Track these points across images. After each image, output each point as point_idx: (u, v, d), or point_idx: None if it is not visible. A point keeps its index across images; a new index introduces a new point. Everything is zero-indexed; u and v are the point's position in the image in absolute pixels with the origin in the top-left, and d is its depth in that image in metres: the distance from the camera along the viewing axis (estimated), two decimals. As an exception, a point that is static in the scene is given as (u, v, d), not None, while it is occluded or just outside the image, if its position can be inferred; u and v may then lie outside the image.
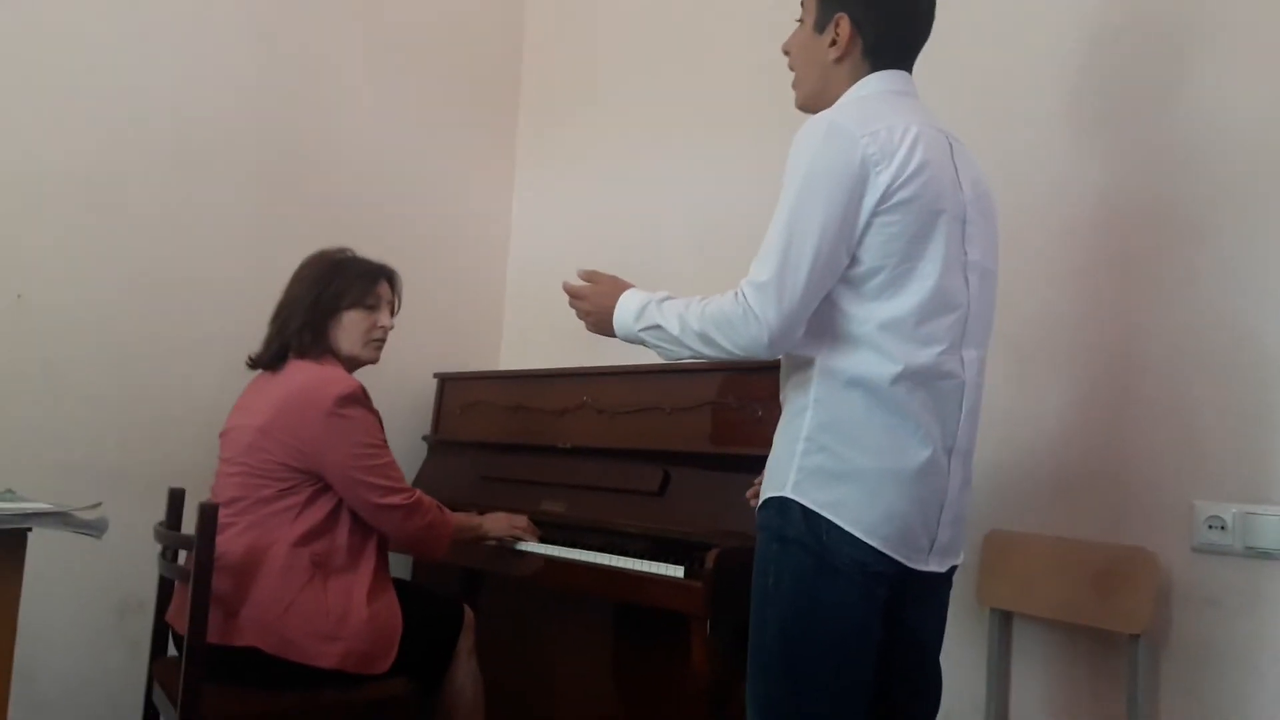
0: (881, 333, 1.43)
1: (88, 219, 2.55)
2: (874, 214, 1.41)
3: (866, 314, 1.44)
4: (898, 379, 1.41)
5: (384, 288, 2.23)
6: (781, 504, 1.46)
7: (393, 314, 2.26)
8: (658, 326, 1.52)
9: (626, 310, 1.56)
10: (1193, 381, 1.92)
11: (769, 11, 2.72)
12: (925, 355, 1.43)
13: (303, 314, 2.13)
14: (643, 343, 1.56)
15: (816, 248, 1.40)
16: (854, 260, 1.44)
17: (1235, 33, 1.93)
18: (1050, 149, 2.16)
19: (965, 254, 1.50)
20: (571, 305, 1.67)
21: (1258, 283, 1.86)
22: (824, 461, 1.44)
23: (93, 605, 2.52)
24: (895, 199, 1.41)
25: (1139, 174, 2.04)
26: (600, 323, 1.61)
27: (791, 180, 1.44)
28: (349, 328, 2.17)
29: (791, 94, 1.68)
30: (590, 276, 1.66)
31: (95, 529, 1.63)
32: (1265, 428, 1.82)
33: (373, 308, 2.20)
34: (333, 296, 2.16)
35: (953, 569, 1.57)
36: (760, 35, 2.74)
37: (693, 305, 1.49)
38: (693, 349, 1.49)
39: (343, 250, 2.25)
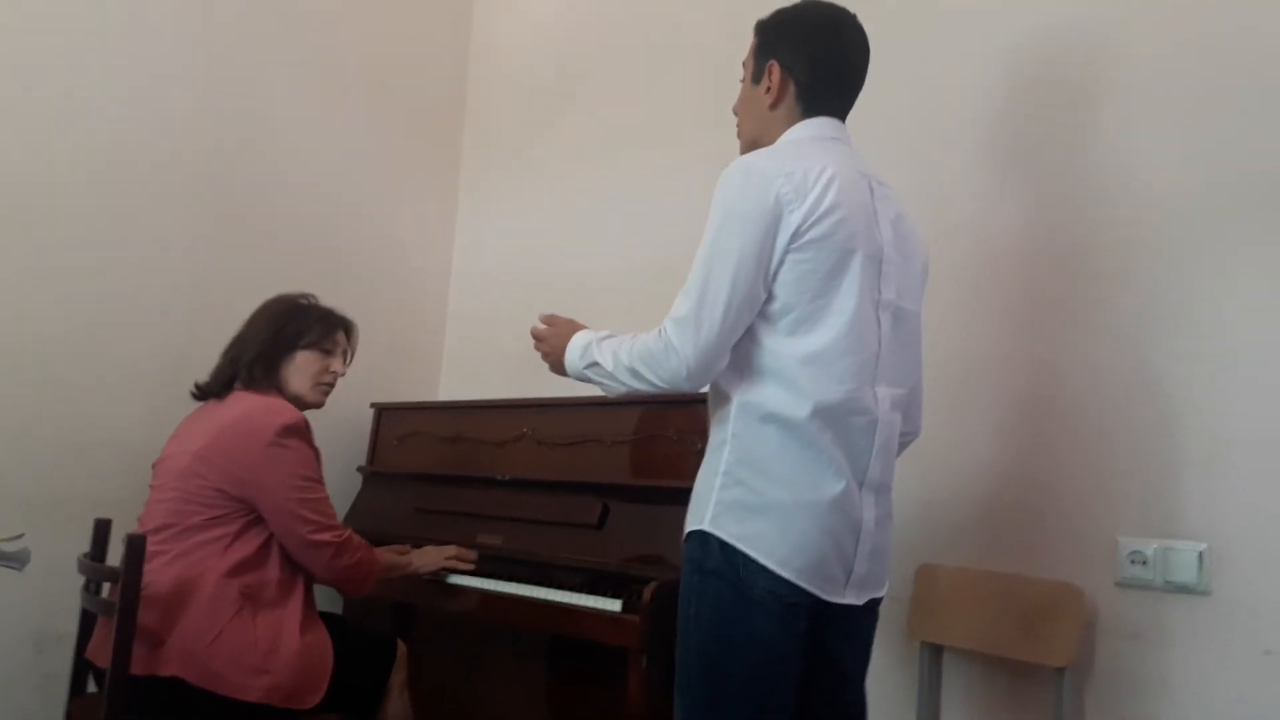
0: (796, 368, 1.47)
1: (18, 244, 2.49)
2: (787, 251, 1.47)
3: (782, 349, 1.49)
4: (811, 414, 1.46)
5: (341, 336, 2.26)
6: (701, 537, 1.51)
7: (345, 364, 2.27)
8: (596, 364, 1.59)
9: (573, 350, 1.63)
10: (1108, 418, 1.99)
11: (712, 46, 2.80)
12: (837, 391, 1.48)
13: (257, 347, 2.14)
14: (588, 380, 1.62)
15: (732, 284, 1.46)
16: (770, 296, 1.49)
17: (1142, 86, 2.03)
18: (968, 190, 2.24)
19: (879, 293, 1.55)
20: (535, 348, 1.74)
21: (1161, 322, 1.94)
22: (740, 495, 1.48)
23: (9, 639, 2.43)
24: (807, 237, 1.47)
25: (1052, 215, 2.12)
26: (556, 363, 1.69)
27: (711, 220, 1.51)
28: (302, 367, 2.17)
29: (731, 130, 1.75)
30: (549, 320, 1.74)
31: (17, 560, 1.59)
32: (1175, 464, 1.89)
33: (329, 352, 2.21)
34: (292, 335, 2.17)
35: (874, 602, 1.60)
36: (703, 71, 2.81)
37: (624, 341, 1.56)
38: (625, 383, 1.56)
39: (307, 296, 2.27)
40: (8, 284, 2.47)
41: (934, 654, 2.14)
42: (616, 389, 1.58)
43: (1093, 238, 2.05)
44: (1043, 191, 2.14)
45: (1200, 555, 1.83)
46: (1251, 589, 1.79)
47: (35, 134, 2.53)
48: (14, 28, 2.51)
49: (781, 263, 1.48)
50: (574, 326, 1.68)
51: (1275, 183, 1.85)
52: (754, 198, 1.47)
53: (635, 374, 1.53)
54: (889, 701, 1.75)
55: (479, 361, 3.40)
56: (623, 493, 2.34)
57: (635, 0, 3.14)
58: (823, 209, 1.47)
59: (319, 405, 2.22)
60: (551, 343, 1.69)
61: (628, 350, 1.54)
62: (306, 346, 2.18)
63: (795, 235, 1.47)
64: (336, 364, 2.23)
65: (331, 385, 2.24)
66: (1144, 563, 1.89)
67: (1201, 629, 1.83)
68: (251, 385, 2.11)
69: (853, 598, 1.53)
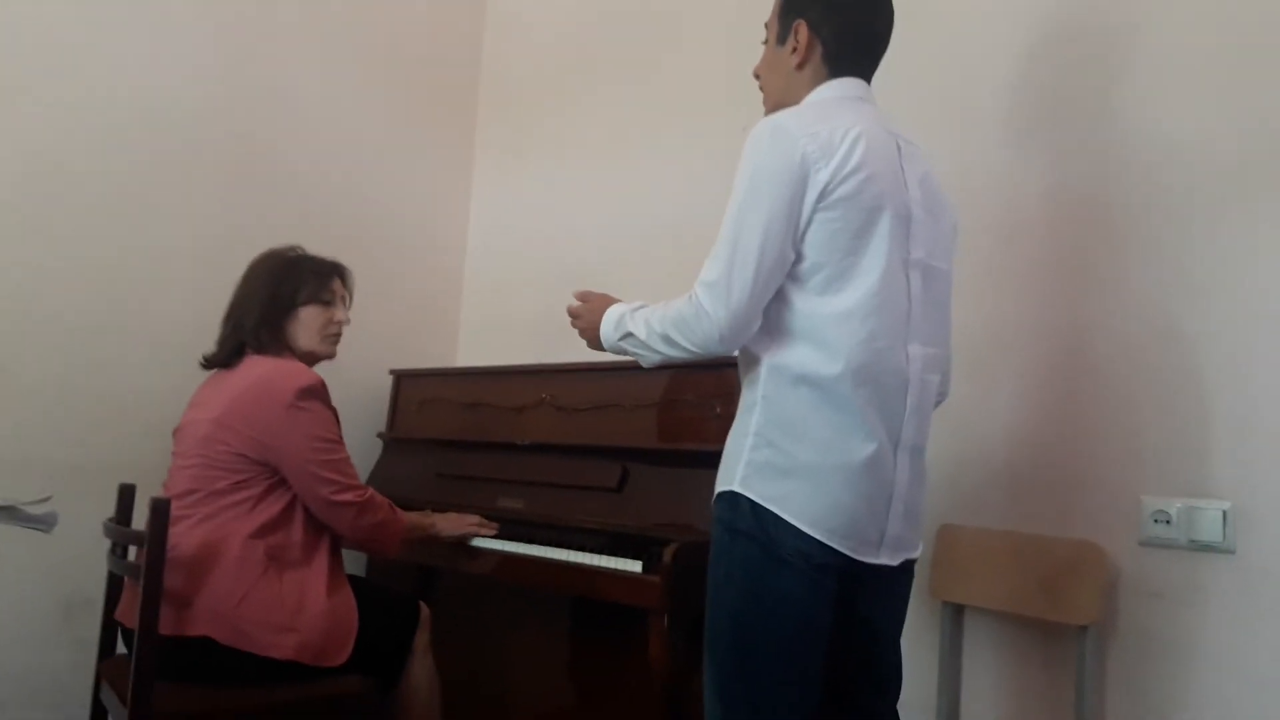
0: (827, 327, 1.47)
1: (41, 212, 2.51)
2: (815, 210, 1.46)
3: (812, 309, 1.48)
4: (842, 375, 1.45)
5: (337, 284, 2.25)
6: (732, 498, 1.50)
7: (347, 309, 2.27)
8: (630, 334, 1.59)
9: (608, 323, 1.63)
10: (1133, 379, 1.97)
11: (728, 17, 2.76)
12: (868, 351, 1.47)
13: (259, 311, 2.13)
14: (624, 352, 1.63)
15: (762, 244, 1.45)
16: (799, 256, 1.48)
17: (1167, 43, 1.99)
18: (994, 154, 2.22)
19: (909, 251, 1.54)
20: (572, 325, 1.75)
21: (1188, 284, 1.92)
22: (771, 456, 1.48)
23: (38, 602, 2.47)
24: (835, 195, 1.46)
25: (1078, 177, 2.09)
26: (593, 339, 1.69)
27: (739, 182, 1.50)
28: (306, 323, 2.18)
29: (751, 95, 1.74)
30: (583, 296, 1.74)
31: (45, 523, 1.61)
32: (1201, 424, 1.87)
33: (328, 303, 2.21)
34: (289, 293, 2.17)
35: (908, 563, 1.60)
36: (720, 40, 2.78)
37: (657, 310, 1.56)
38: (660, 351, 1.55)
39: (293, 248, 2.26)
40: (37, 260, 2.50)
41: (956, 614, 2.14)
42: (652, 358, 1.58)
43: (1119, 199, 2.02)
44: (1068, 152, 2.11)
45: (1224, 514, 1.82)
46: (1277, 548, 1.77)
47: (60, 113, 2.55)
48: (38, 14, 2.50)
49: (810, 221, 1.46)
50: (607, 301, 1.68)
51: (1305, 137, 1.82)
52: (781, 157, 1.46)
53: (669, 341, 1.52)
54: (911, 661, 1.75)
55: (497, 328, 3.40)
56: (642, 456, 2.35)
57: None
58: (850, 167, 1.46)
59: (331, 356, 2.23)
60: (587, 318, 1.70)
61: (660, 318, 1.53)
62: (306, 302, 2.17)
63: (823, 194, 1.45)
64: (339, 312, 2.24)
65: (339, 335, 2.24)
66: (1168, 522, 1.88)
67: (1226, 588, 1.82)
68: (261, 349, 2.11)
69: (887, 558, 1.53)
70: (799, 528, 1.45)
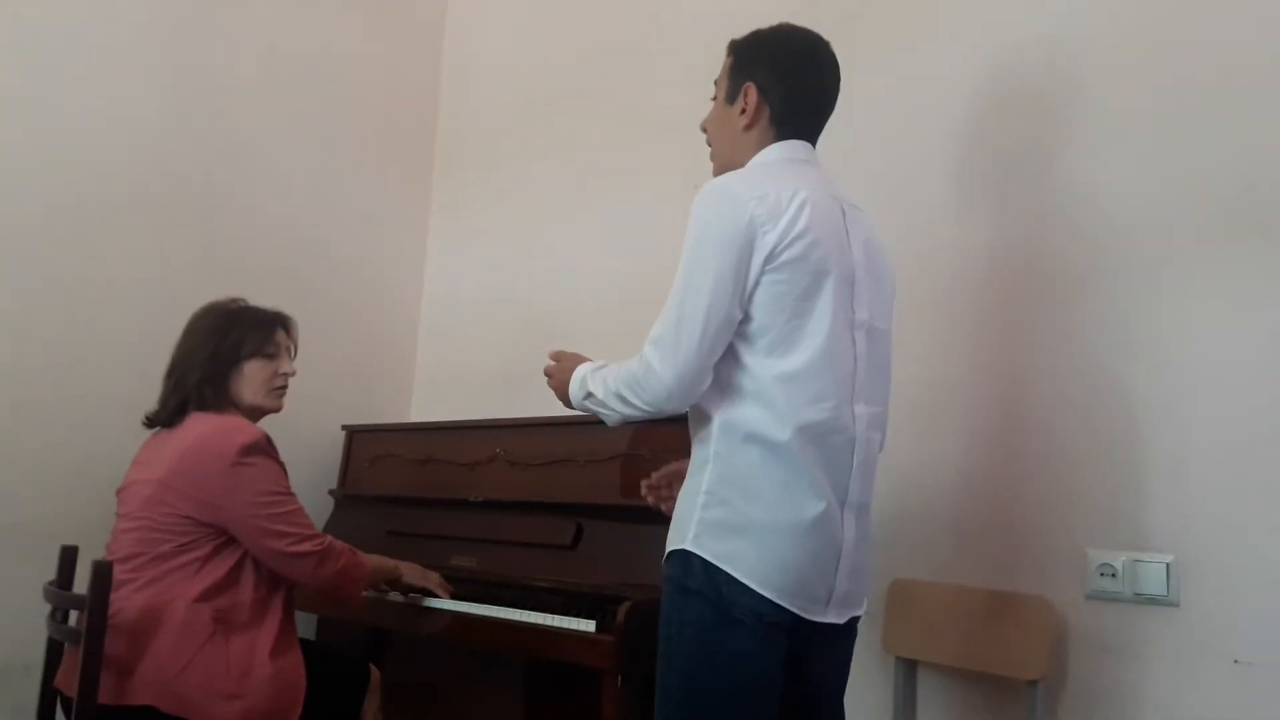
0: (775, 387, 1.49)
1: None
2: (763, 272, 1.49)
3: (760, 369, 1.50)
4: (791, 434, 1.47)
5: (281, 335, 2.20)
6: (684, 556, 1.51)
7: (292, 361, 2.23)
8: (590, 394, 1.62)
9: (574, 382, 1.66)
10: (1075, 434, 2.01)
11: (682, 71, 2.81)
12: (816, 411, 1.49)
13: (201, 367, 2.09)
14: (589, 410, 1.65)
15: (709, 305, 1.48)
16: (746, 317, 1.51)
17: (1106, 108, 2.07)
18: (938, 213, 2.27)
19: (853, 313, 1.57)
20: (548, 385, 1.76)
21: (1126, 339, 1.97)
22: (723, 515, 1.49)
23: (-28, 670, 2.40)
24: (782, 258, 1.49)
25: (1020, 236, 2.16)
26: (563, 398, 1.71)
27: (687, 242, 1.53)
28: (250, 377, 2.13)
29: (704, 152, 1.77)
30: (557, 356, 1.76)
31: (-19, 588, 1.57)
32: (1141, 477, 1.92)
33: (272, 355, 2.17)
34: (231, 347, 2.12)
35: (853, 620, 1.61)
36: (673, 94, 2.83)
37: (612, 369, 1.59)
38: (617, 410, 1.59)
39: (234, 300, 2.22)
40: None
41: (909, 669, 2.15)
42: (613, 417, 1.61)
43: (1058, 256, 2.08)
44: (1009, 211, 2.18)
45: (1168, 567, 1.86)
46: (1220, 600, 1.81)
47: (5, 162, 2.51)
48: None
49: (757, 283, 1.49)
50: (578, 360, 1.70)
51: (1233, 202, 1.88)
52: (728, 219, 1.49)
53: (623, 399, 1.55)
54: (865, 717, 1.76)
55: (451, 382, 3.39)
56: (596, 512, 2.34)
57: (605, 26, 3.16)
58: (797, 230, 1.49)
59: (277, 409, 2.18)
60: (559, 378, 1.72)
61: (615, 377, 1.57)
62: (250, 356, 2.13)
63: (770, 257, 1.48)
64: (284, 364, 2.19)
65: (284, 387, 2.19)
66: (1113, 575, 1.91)
67: (1172, 640, 1.85)
68: (204, 406, 2.07)
69: (834, 616, 1.54)
70: (750, 586, 1.45)
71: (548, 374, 1.76)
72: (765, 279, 1.49)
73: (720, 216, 1.50)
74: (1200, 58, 1.96)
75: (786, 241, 1.49)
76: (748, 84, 1.67)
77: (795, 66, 1.67)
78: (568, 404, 1.70)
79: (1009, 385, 2.11)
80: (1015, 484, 2.08)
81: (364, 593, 2.16)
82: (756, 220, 1.49)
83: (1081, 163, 2.09)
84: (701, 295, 1.48)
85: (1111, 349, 1.99)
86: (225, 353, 2.11)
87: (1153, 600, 1.87)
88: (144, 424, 2.13)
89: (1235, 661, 1.78)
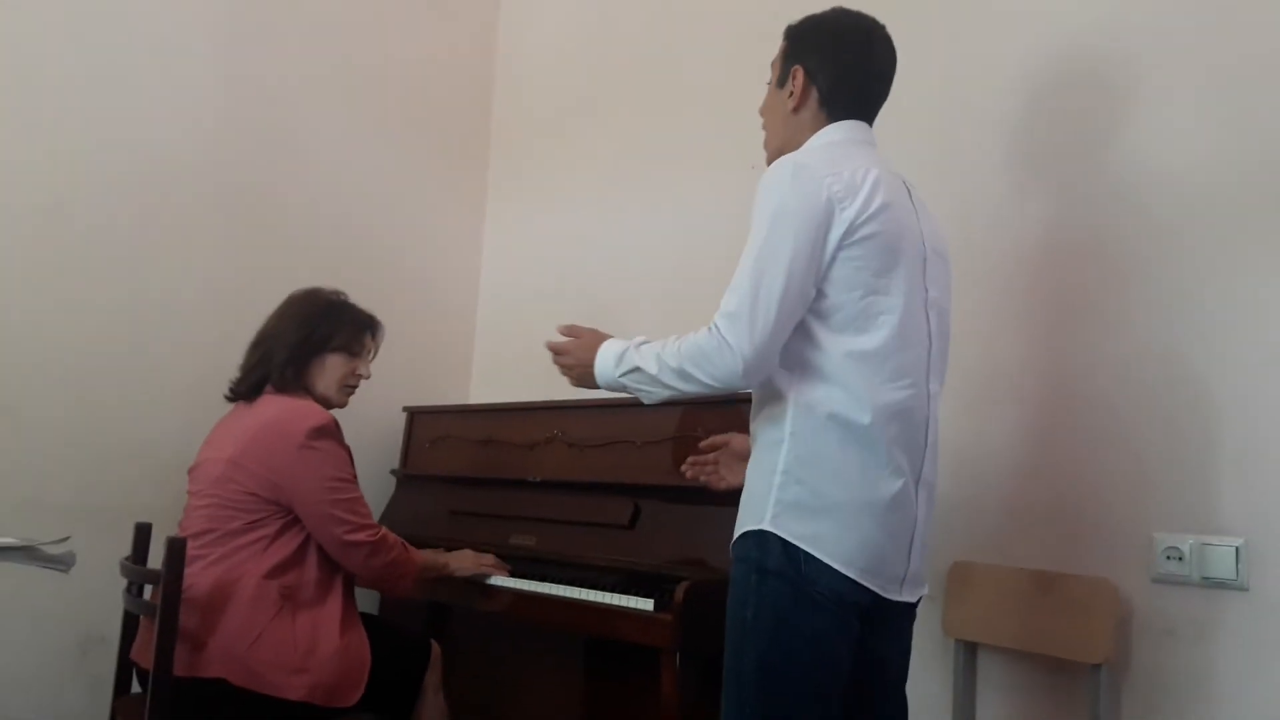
0: (850, 366, 1.47)
1: (51, 255, 2.54)
2: (839, 248, 1.47)
3: (836, 347, 1.49)
4: (873, 416, 1.46)
5: (369, 338, 2.27)
6: (760, 537, 1.49)
7: (369, 363, 2.29)
8: (637, 369, 1.55)
9: (607, 358, 1.60)
10: (1140, 415, 1.97)
11: (738, 56, 2.80)
12: (895, 390, 1.48)
13: (289, 349, 2.15)
14: (624, 389, 1.59)
15: (786, 280, 1.45)
16: (821, 294, 1.49)
17: (1163, 83, 2.02)
18: (996, 193, 2.24)
19: (926, 291, 1.56)
20: (555, 362, 1.70)
21: (1192, 318, 1.93)
22: (801, 495, 1.47)
23: (54, 642, 2.49)
24: (859, 234, 1.47)
25: (1079, 214, 2.11)
26: (583, 376, 1.65)
27: (760, 217, 1.49)
28: (330, 370, 2.19)
29: (758, 136, 1.76)
30: (570, 331, 1.70)
31: (63, 563, 1.62)
32: (1210, 460, 1.88)
33: (356, 354, 2.23)
34: (323, 337, 2.18)
35: (919, 600, 1.61)
36: (728, 79, 2.82)
37: (669, 344, 1.53)
38: (671, 386, 1.52)
39: (338, 293, 2.28)
40: (47, 303, 2.53)
41: (969, 651, 2.13)
42: (657, 394, 1.55)
43: (1119, 237, 2.04)
44: (1067, 190, 2.13)
45: (1237, 550, 1.82)
46: (1290, 584, 1.77)
47: (69, 157, 2.58)
48: (43, 41, 2.56)
49: (833, 260, 1.48)
50: (599, 336, 1.64)
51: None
52: (805, 196, 1.47)
53: (683, 375, 1.50)
54: (925, 700, 1.74)
55: (509, 365, 3.42)
56: (654, 493, 2.35)
57: (657, 12, 3.15)
58: (874, 208, 1.48)
59: (342, 405, 2.24)
60: (578, 355, 1.65)
61: (674, 352, 1.50)
62: (337, 349, 2.19)
63: (848, 233, 1.47)
64: (363, 367, 2.25)
65: (356, 387, 2.25)
66: (1180, 559, 1.88)
67: (1239, 625, 1.81)
68: (281, 388, 2.13)
69: (908, 595, 1.54)
70: (834, 567, 1.44)
71: (558, 350, 1.69)
72: (842, 255, 1.48)
73: (797, 193, 1.48)
74: (1257, 31, 1.90)
75: (864, 218, 1.48)
76: (796, 66, 1.66)
77: (845, 49, 1.66)
78: (584, 382, 1.65)
79: (1071, 367, 2.08)
80: (1078, 466, 2.04)
81: (410, 588, 2.20)
82: (834, 197, 1.47)
83: (1140, 141, 2.04)
84: (779, 270, 1.45)
85: (1177, 330, 1.94)
86: (316, 340, 2.17)
87: (1221, 585, 1.83)
88: (226, 397, 2.19)
89: (1307, 647, 1.74)
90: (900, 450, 1.49)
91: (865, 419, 1.46)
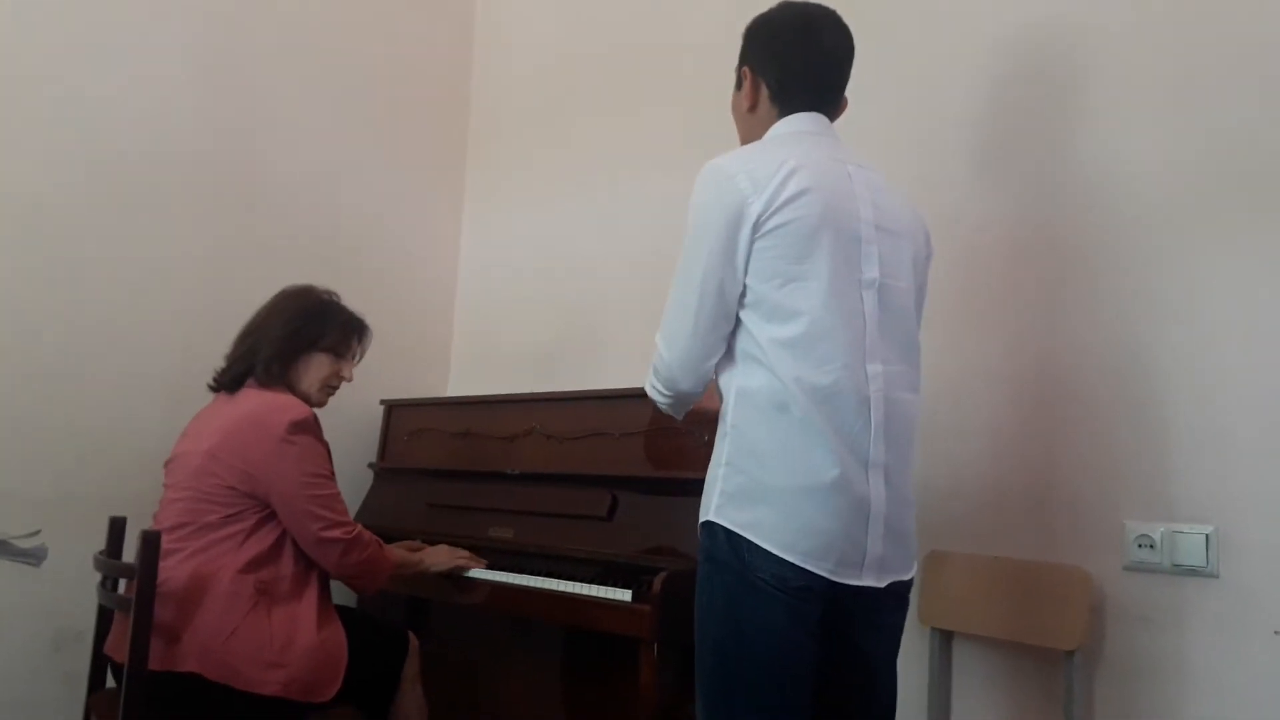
0: (779, 353, 1.49)
1: (30, 249, 2.52)
2: (752, 240, 1.51)
3: (764, 336, 1.51)
4: (798, 399, 1.47)
5: (356, 342, 2.27)
6: (709, 527, 1.53)
7: (353, 367, 2.28)
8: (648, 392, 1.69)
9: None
10: (1109, 403, 2.00)
11: (712, 55, 2.79)
12: (821, 374, 1.48)
13: (275, 343, 2.14)
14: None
15: (701, 284, 1.53)
16: (746, 287, 1.53)
17: (1124, 76, 2.04)
18: (960, 186, 2.26)
19: (861, 273, 1.55)
20: None
21: (1157, 306, 1.96)
22: (742, 484, 1.50)
23: (28, 636, 2.47)
24: (769, 225, 1.50)
25: (1043, 206, 2.14)
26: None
27: (686, 225, 1.58)
28: (315, 369, 2.19)
29: (731, 136, 1.79)
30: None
31: (34, 557, 1.61)
32: (1179, 448, 1.90)
33: (342, 357, 2.23)
34: (311, 335, 2.18)
35: (900, 586, 1.58)
36: (703, 77, 2.81)
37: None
38: (658, 401, 1.67)
39: (330, 293, 2.27)
40: (20, 288, 2.51)
41: (944, 640, 2.15)
42: (669, 411, 1.69)
43: (1087, 228, 2.06)
44: (1032, 182, 2.15)
45: (1207, 538, 1.84)
46: (1260, 571, 1.79)
47: (46, 140, 2.56)
48: (20, 34, 2.53)
49: (749, 254, 1.51)
50: None
51: (1258, 167, 1.86)
52: (718, 196, 1.53)
53: (654, 389, 1.64)
54: (901, 688, 1.76)
55: (487, 358, 3.41)
56: (631, 484, 2.36)
57: (634, 14, 3.15)
58: (784, 197, 1.50)
59: (321, 405, 2.23)
60: None
61: (649, 371, 1.64)
62: (323, 349, 2.19)
63: (757, 225, 1.50)
64: (347, 369, 2.25)
65: (337, 388, 2.25)
66: (1151, 546, 1.90)
67: (1210, 611, 1.84)
68: (264, 381, 2.12)
69: (871, 579, 1.52)
70: (773, 552, 1.45)
71: None
72: (756, 247, 1.51)
73: (708, 195, 1.55)
74: (1217, 27, 1.93)
75: (773, 209, 1.50)
76: (745, 67, 1.71)
77: (786, 42, 1.67)
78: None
79: (1043, 358, 2.10)
80: (1051, 456, 2.06)
81: (382, 586, 2.20)
82: (742, 193, 1.51)
83: (1104, 135, 2.06)
84: (693, 278, 1.53)
85: (1147, 320, 1.96)
86: (304, 338, 2.17)
87: (1192, 571, 1.85)
88: (210, 386, 2.19)
89: (1276, 633, 1.76)
90: (835, 434, 1.47)
91: (795, 404, 1.47)
